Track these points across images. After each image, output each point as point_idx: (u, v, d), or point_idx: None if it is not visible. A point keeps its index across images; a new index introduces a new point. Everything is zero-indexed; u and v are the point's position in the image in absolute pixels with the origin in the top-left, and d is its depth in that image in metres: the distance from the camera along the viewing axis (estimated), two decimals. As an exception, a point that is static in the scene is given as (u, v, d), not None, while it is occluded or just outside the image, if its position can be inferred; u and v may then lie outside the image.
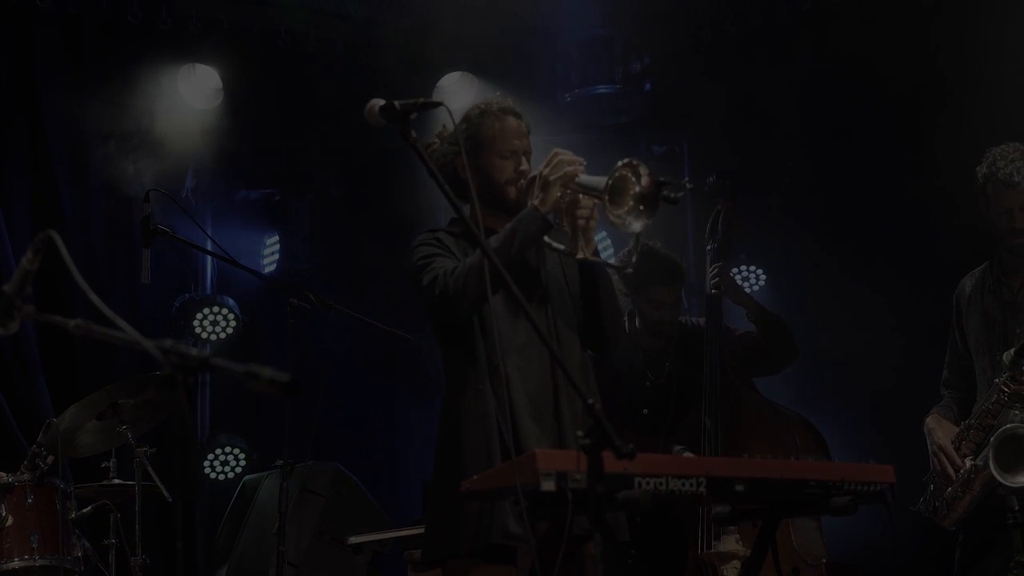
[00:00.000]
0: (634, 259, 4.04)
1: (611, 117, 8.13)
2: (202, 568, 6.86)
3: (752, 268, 7.90)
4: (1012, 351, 4.69)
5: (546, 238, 3.88)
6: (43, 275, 2.71)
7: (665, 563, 5.38)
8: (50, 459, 5.49)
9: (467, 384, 3.88)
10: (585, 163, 3.86)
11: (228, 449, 7.68)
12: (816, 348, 6.86)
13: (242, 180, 8.09)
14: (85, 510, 5.61)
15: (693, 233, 8.01)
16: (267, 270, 8.06)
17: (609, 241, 7.39)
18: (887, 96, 7.11)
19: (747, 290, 7.82)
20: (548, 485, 3.00)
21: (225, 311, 7.75)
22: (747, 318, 5.65)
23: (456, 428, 3.87)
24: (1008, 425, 4.68)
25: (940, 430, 5.01)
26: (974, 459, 4.82)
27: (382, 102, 3.46)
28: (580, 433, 2.90)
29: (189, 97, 7.56)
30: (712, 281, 5.56)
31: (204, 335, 7.70)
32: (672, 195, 4.14)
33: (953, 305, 5.20)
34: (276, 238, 8.19)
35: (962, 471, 4.85)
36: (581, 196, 3.84)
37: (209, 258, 7.84)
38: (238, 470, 7.64)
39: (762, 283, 7.91)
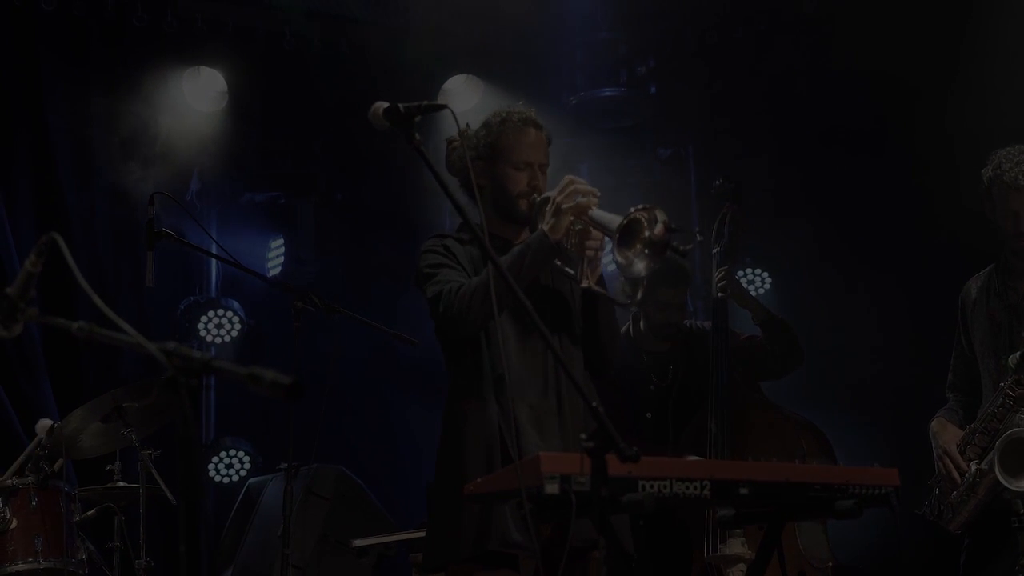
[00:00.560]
0: (639, 298, 4.03)
1: (616, 120, 8.13)
2: (206, 571, 6.86)
3: (757, 271, 7.90)
4: (1018, 354, 4.67)
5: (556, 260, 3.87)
6: (48, 278, 2.71)
7: (670, 566, 5.37)
8: (59, 463, 5.50)
9: (470, 391, 3.89)
10: (599, 194, 3.85)
11: (233, 452, 7.68)
12: (821, 351, 6.85)
13: (247, 183, 8.10)
14: (89, 513, 5.61)
15: (698, 236, 7.99)
16: (272, 273, 8.07)
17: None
18: (893, 98, 7.10)
19: (752, 293, 7.83)
20: (552, 488, 2.99)
21: (230, 314, 7.76)
22: (752, 321, 5.64)
23: (458, 434, 3.87)
24: (1013, 429, 4.66)
25: (945, 434, 5.00)
26: (979, 463, 4.81)
27: (386, 105, 3.46)
28: (584, 436, 2.90)
29: (194, 100, 7.56)
30: (718, 284, 5.55)
31: (209, 338, 7.70)
32: (681, 247, 4.14)
33: (958, 308, 5.18)
34: (281, 241, 8.19)
35: (967, 475, 4.84)
36: (592, 228, 3.83)
37: (214, 261, 7.85)
38: (243, 473, 7.64)
39: (767, 286, 7.90)
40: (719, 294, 5.54)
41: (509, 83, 7.45)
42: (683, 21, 7.79)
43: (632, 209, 3.73)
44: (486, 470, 3.64)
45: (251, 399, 7.61)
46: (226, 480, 7.64)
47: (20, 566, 5.29)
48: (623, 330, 5.57)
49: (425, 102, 3.50)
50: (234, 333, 7.76)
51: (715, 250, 5.74)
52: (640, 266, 3.76)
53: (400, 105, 3.45)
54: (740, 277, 7.80)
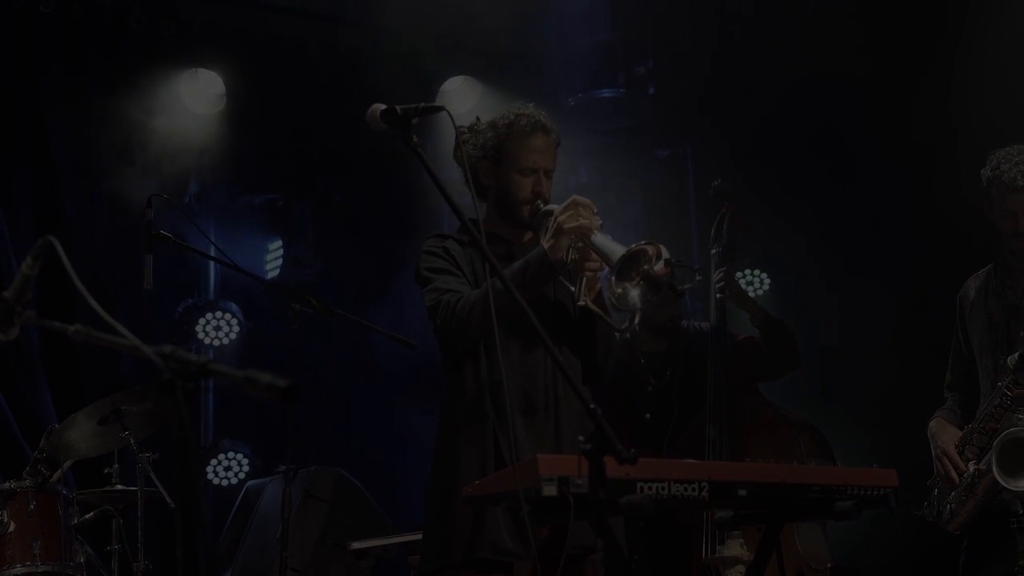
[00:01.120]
0: (635, 326, 4.01)
1: (615, 121, 8.13)
2: (204, 574, 6.85)
3: (756, 272, 7.90)
4: (1016, 354, 4.67)
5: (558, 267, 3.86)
6: (48, 281, 2.71)
7: (669, 568, 5.37)
8: (59, 472, 5.50)
9: (466, 395, 3.90)
10: (601, 222, 3.84)
11: (231, 455, 7.68)
12: (820, 351, 6.86)
13: (245, 185, 8.10)
14: (87, 516, 5.61)
15: (697, 236, 8.00)
16: (270, 275, 8.06)
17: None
18: (892, 97, 7.10)
19: (751, 294, 7.83)
20: (550, 490, 2.99)
21: (228, 316, 7.76)
22: (750, 323, 5.63)
23: (452, 439, 3.89)
24: (1011, 429, 4.66)
25: (943, 434, 5.00)
26: (978, 463, 4.81)
27: (383, 107, 3.47)
28: (581, 438, 2.90)
29: (192, 102, 7.56)
30: (717, 285, 5.54)
31: (207, 341, 7.70)
32: (679, 287, 4.13)
33: (957, 307, 5.18)
34: (279, 243, 8.19)
35: (965, 475, 4.84)
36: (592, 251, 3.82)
37: (212, 264, 7.85)
38: (241, 475, 7.64)
39: (766, 287, 7.90)
40: (718, 295, 5.53)
41: (507, 84, 7.46)
42: (681, 22, 7.78)
43: (634, 244, 3.71)
44: (479, 475, 3.64)
45: (249, 402, 7.61)
46: (224, 483, 7.64)
47: (18, 570, 5.28)
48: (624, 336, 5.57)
49: (422, 104, 3.51)
50: (232, 335, 7.76)
51: (714, 250, 5.73)
52: (634, 298, 3.75)
53: (397, 107, 3.46)
54: (739, 278, 7.82)
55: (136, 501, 5.53)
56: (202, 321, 7.71)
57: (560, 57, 8.05)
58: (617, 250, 3.69)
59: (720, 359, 5.42)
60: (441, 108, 3.59)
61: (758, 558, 3.76)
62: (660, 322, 5.60)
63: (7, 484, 5.41)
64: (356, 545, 6.13)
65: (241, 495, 7.07)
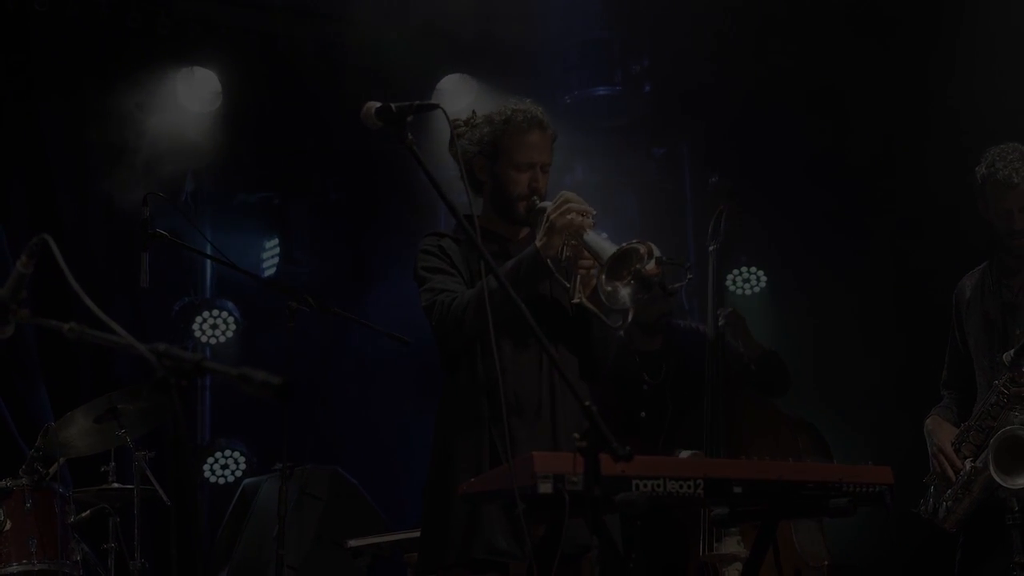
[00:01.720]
0: (628, 322, 4.00)
1: (611, 119, 8.13)
2: (200, 572, 6.84)
3: (752, 270, 7.89)
4: (1012, 352, 4.67)
5: (551, 265, 3.85)
6: (44, 280, 2.71)
7: (666, 565, 5.37)
8: (54, 467, 5.49)
9: (462, 394, 3.90)
10: (595, 212, 3.83)
11: (228, 453, 7.68)
12: (816, 349, 6.86)
13: (241, 183, 8.09)
14: (84, 514, 5.61)
15: (693, 234, 8.00)
16: (267, 273, 8.06)
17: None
18: (891, 97, 7.10)
19: (748, 292, 7.84)
20: (545, 487, 3.00)
21: (224, 315, 7.76)
22: (746, 358, 5.60)
23: (448, 437, 3.89)
24: (1007, 427, 4.66)
25: (940, 432, 5.00)
26: (974, 461, 4.81)
27: (378, 104, 3.47)
28: (576, 435, 2.89)
29: (188, 101, 7.55)
30: (719, 319, 5.50)
31: (204, 339, 7.70)
32: (670, 287, 4.10)
33: (953, 305, 5.18)
34: (275, 241, 8.18)
35: (962, 473, 4.84)
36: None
37: (208, 262, 7.84)
38: (238, 474, 7.64)
39: (763, 285, 7.90)
40: (721, 323, 5.49)
41: (503, 82, 7.45)
42: (677, 20, 7.78)
43: (624, 242, 3.70)
44: (475, 475, 3.64)
45: (246, 400, 7.59)
46: (221, 481, 7.64)
47: (15, 568, 5.28)
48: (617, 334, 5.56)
49: (417, 102, 3.51)
50: (229, 334, 7.75)
51: (711, 248, 5.73)
52: (624, 297, 3.74)
53: (392, 105, 3.45)
54: (735, 275, 7.83)
55: (133, 499, 5.53)
56: (199, 319, 7.71)
57: (556, 55, 8.05)
58: (608, 248, 3.68)
59: (717, 358, 5.42)
60: (436, 106, 3.59)
61: (753, 555, 3.76)
62: (650, 320, 5.60)
63: (3, 482, 5.41)
64: (352, 543, 6.12)
65: (238, 493, 7.07)
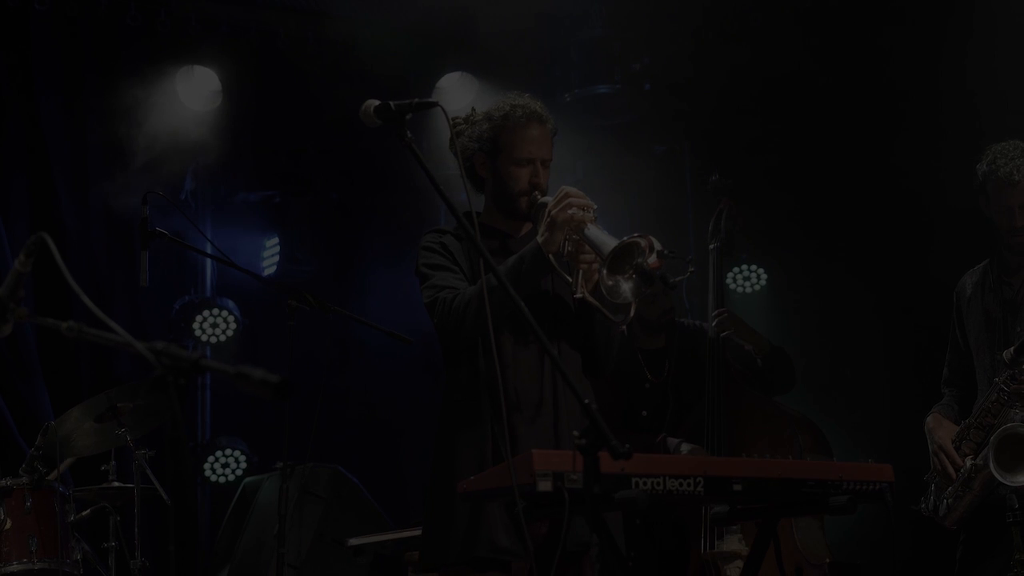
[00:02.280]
0: (631, 317, 4.00)
1: (611, 117, 8.12)
2: (200, 571, 6.85)
3: (753, 267, 7.89)
4: (1012, 349, 4.67)
5: (553, 260, 3.84)
6: (45, 278, 2.71)
7: (667, 563, 5.37)
8: (63, 466, 5.50)
9: (464, 392, 3.89)
10: (596, 207, 3.82)
11: (228, 451, 7.67)
12: (816, 347, 6.86)
13: (241, 182, 8.08)
14: (84, 513, 5.61)
15: (694, 232, 7.99)
16: (267, 272, 8.06)
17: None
18: (891, 95, 7.10)
19: (748, 290, 7.83)
20: (545, 485, 2.99)
21: (225, 313, 7.75)
22: (754, 354, 5.58)
23: (451, 436, 3.88)
24: (1008, 424, 4.66)
25: (940, 430, 4.99)
26: (974, 458, 4.81)
27: (377, 102, 3.47)
28: (576, 433, 2.89)
29: (188, 99, 7.55)
30: (715, 322, 5.49)
31: (204, 338, 7.69)
32: (671, 280, 4.09)
33: (954, 303, 5.18)
34: (276, 240, 8.18)
35: (962, 470, 4.83)
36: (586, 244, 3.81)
37: (209, 261, 7.84)
38: (239, 472, 7.63)
39: (763, 282, 7.90)
40: (721, 333, 5.48)
41: (504, 81, 7.44)
42: (677, 18, 7.77)
43: (626, 236, 3.70)
44: (477, 472, 3.64)
45: (246, 399, 7.61)
46: (222, 480, 7.63)
47: (15, 567, 5.29)
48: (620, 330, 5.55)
49: (416, 100, 3.51)
50: (229, 333, 7.75)
51: (712, 246, 5.73)
52: (626, 291, 3.73)
53: (391, 103, 3.46)
54: (736, 273, 7.83)
55: (133, 498, 5.54)
56: (199, 318, 7.71)
57: (556, 53, 8.04)
58: (609, 243, 3.67)
59: (717, 357, 5.42)
60: (435, 104, 3.59)
61: (754, 553, 3.76)
62: (654, 318, 5.59)
63: (4, 481, 5.42)
64: (353, 541, 6.12)
65: (238, 492, 7.07)
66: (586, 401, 2.95)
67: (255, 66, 7.71)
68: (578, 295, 3.83)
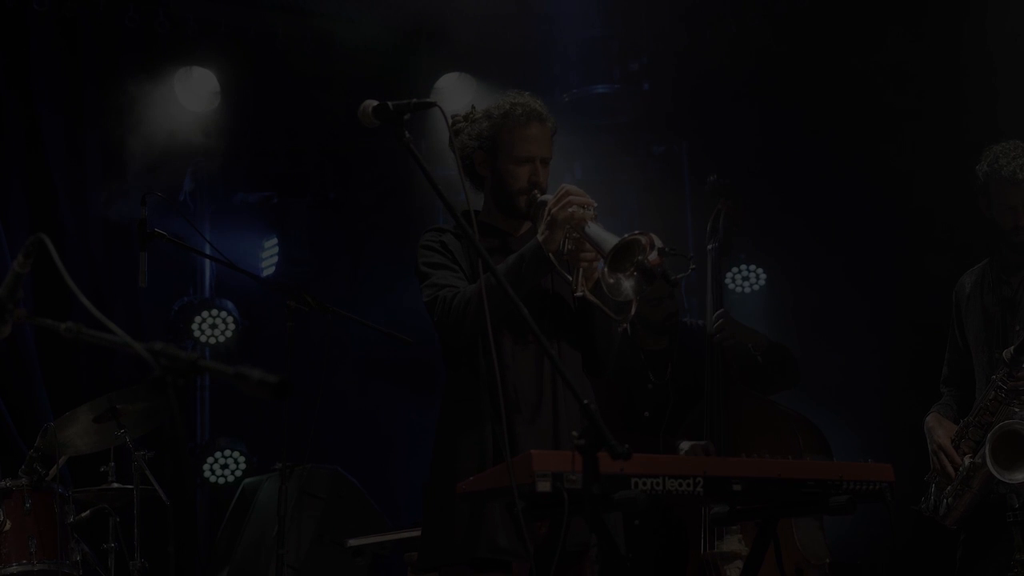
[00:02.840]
0: (632, 315, 3.99)
1: (610, 117, 8.12)
2: (200, 572, 6.85)
3: (752, 267, 7.89)
4: (1012, 348, 4.66)
5: (554, 259, 3.84)
6: (45, 280, 2.71)
7: (666, 563, 5.37)
8: (55, 468, 5.49)
9: (464, 393, 3.89)
10: (596, 204, 3.82)
11: (228, 452, 7.67)
12: (815, 347, 6.85)
13: (240, 183, 8.09)
14: (84, 514, 5.61)
15: (693, 232, 7.99)
16: (266, 273, 8.06)
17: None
18: (889, 95, 7.09)
19: (747, 289, 7.83)
20: (544, 486, 2.99)
21: (224, 314, 7.75)
22: (753, 352, 5.58)
23: (450, 436, 3.88)
24: (1005, 422, 4.66)
25: (940, 429, 4.99)
26: (973, 457, 4.80)
27: (375, 103, 3.47)
28: (575, 433, 2.89)
29: (186, 100, 7.55)
30: (716, 325, 5.48)
31: (203, 339, 7.69)
32: (673, 277, 4.07)
33: (953, 302, 5.18)
34: (275, 241, 8.18)
35: (961, 469, 4.83)
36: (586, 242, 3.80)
37: (208, 261, 7.84)
38: (238, 473, 7.63)
39: (762, 282, 7.90)
40: (716, 335, 5.47)
41: (502, 81, 7.42)
42: (676, 17, 7.77)
43: (626, 234, 3.69)
44: (477, 472, 3.63)
45: (246, 399, 7.60)
46: (221, 480, 7.63)
47: (14, 568, 5.28)
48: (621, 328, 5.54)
49: (414, 100, 3.51)
50: (228, 333, 7.75)
51: (711, 246, 5.72)
52: (627, 289, 3.73)
53: (390, 103, 3.46)
54: (734, 273, 7.83)
55: (132, 499, 5.53)
56: (198, 319, 7.71)
57: (554, 53, 8.04)
58: (610, 240, 3.66)
59: (716, 357, 5.41)
60: (433, 104, 3.59)
61: (753, 553, 3.76)
62: (659, 320, 5.58)
63: (3, 482, 5.41)
64: (353, 542, 6.12)
65: (238, 493, 7.06)
66: (585, 401, 2.95)
67: (253, 67, 7.71)
68: (578, 293, 3.82)
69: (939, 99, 6.68)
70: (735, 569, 5.04)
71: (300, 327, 5.48)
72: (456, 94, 7.79)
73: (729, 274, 7.75)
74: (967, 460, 4.82)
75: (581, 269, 3.81)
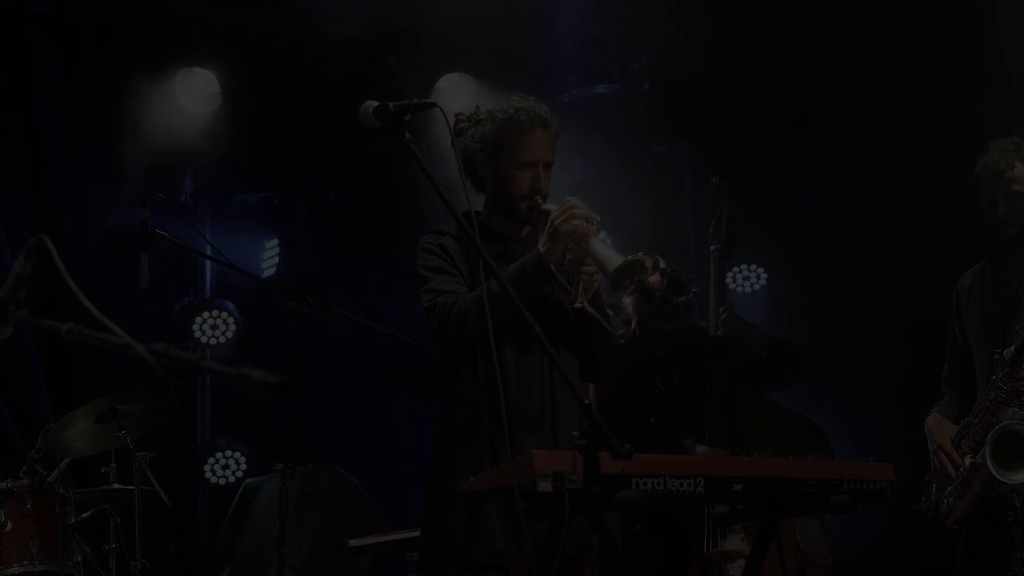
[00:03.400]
0: (632, 331, 3.99)
1: (610, 117, 8.11)
2: (201, 572, 6.85)
3: (752, 267, 7.89)
4: (1012, 348, 4.67)
5: (554, 269, 3.83)
6: (46, 281, 2.72)
7: (668, 562, 5.36)
8: (56, 471, 5.49)
9: (463, 395, 3.89)
10: (599, 219, 3.82)
11: (229, 453, 7.68)
12: (816, 346, 6.84)
13: (241, 183, 8.09)
14: (85, 515, 5.61)
15: (694, 232, 7.99)
16: (267, 274, 8.06)
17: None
18: (888, 94, 7.09)
19: (748, 289, 7.83)
20: (545, 486, 2.99)
21: (224, 315, 7.75)
22: (755, 346, 5.57)
23: (449, 438, 3.88)
24: (1005, 422, 4.66)
25: (940, 429, 4.99)
26: (974, 457, 4.81)
27: (376, 103, 3.47)
28: (576, 433, 2.89)
29: (186, 101, 7.54)
30: (720, 320, 5.48)
31: (204, 339, 7.69)
32: (675, 299, 4.07)
33: (953, 302, 5.18)
34: (275, 241, 8.19)
35: (962, 469, 4.83)
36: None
37: (208, 262, 7.84)
38: (239, 474, 7.64)
39: (762, 282, 7.89)
40: (719, 331, 5.46)
41: (502, 81, 7.43)
42: (676, 17, 7.77)
43: (630, 255, 3.69)
44: (474, 475, 3.64)
45: (247, 400, 7.61)
46: (222, 481, 7.63)
47: (15, 569, 5.27)
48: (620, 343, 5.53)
49: (415, 100, 3.51)
50: (229, 334, 7.75)
51: (713, 247, 5.71)
52: (628, 307, 3.73)
53: (390, 104, 3.46)
54: (735, 273, 7.82)
55: (133, 500, 5.53)
56: (199, 320, 7.71)
57: (555, 53, 8.03)
58: (613, 260, 3.66)
59: (719, 357, 5.41)
60: (433, 104, 3.59)
61: (754, 552, 3.76)
62: (673, 332, 5.56)
63: (4, 483, 5.41)
64: (354, 542, 6.12)
65: (239, 493, 7.07)
66: (586, 402, 2.95)
67: (254, 67, 7.71)
68: (577, 305, 3.82)
69: (939, 99, 6.67)
70: (737, 568, 5.04)
71: (300, 327, 5.48)
72: (456, 94, 7.79)
73: (729, 274, 7.74)
74: (967, 460, 4.82)
75: (581, 282, 3.81)
